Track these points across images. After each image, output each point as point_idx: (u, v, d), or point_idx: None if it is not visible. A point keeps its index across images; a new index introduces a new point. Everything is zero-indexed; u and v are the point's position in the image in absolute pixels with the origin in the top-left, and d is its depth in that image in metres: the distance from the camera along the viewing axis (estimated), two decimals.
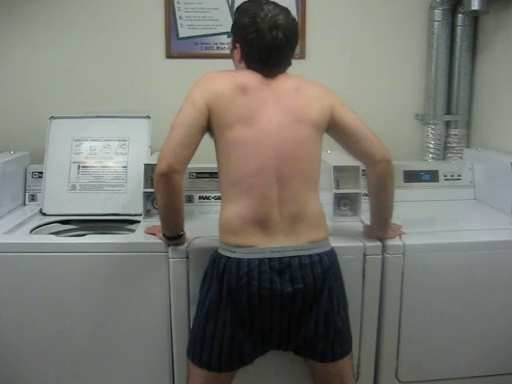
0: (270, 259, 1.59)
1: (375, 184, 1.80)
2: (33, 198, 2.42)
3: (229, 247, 1.62)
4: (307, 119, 1.65)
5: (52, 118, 2.38)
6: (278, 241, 1.61)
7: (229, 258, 1.60)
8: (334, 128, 1.73)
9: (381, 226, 1.90)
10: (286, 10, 1.67)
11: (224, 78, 1.66)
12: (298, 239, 1.62)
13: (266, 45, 1.63)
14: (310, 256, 1.61)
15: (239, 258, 1.59)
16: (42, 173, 2.35)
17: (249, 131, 1.61)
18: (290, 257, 1.60)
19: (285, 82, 1.69)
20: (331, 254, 1.68)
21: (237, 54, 1.72)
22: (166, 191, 1.63)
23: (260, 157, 1.60)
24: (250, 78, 1.66)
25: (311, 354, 1.71)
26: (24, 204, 2.41)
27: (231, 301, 1.61)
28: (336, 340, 1.69)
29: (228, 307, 1.61)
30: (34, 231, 2.11)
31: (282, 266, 1.59)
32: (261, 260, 1.58)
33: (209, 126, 1.64)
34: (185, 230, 1.83)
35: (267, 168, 1.60)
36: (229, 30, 2.63)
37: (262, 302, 1.60)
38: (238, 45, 1.71)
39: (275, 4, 1.67)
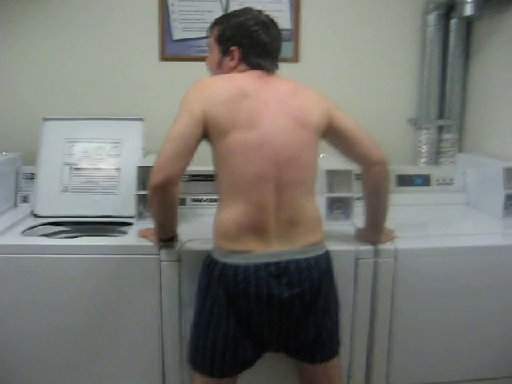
0: (266, 264, 1.57)
1: (371, 186, 1.80)
2: (25, 200, 2.41)
3: (224, 253, 1.60)
4: (309, 123, 1.64)
5: (45, 119, 2.37)
6: (273, 246, 1.60)
7: (225, 263, 1.59)
8: (331, 132, 1.72)
9: (374, 230, 1.90)
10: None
11: (221, 84, 1.64)
12: (294, 243, 1.61)
13: (269, 35, 1.67)
14: (306, 259, 1.61)
15: (236, 264, 1.58)
16: (34, 174, 2.34)
17: (250, 135, 1.57)
18: (287, 261, 1.59)
19: (281, 83, 1.68)
20: (327, 257, 1.68)
21: (230, 60, 1.70)
22: (162, 202, 1.61)
23: (261, 163, 1.58)
24: (249, 79, 1.65)
25: (302, 355, 1.72)
26: (15, 205, 2.40)
27: (230, 306, 1.59)
28: (326, 342, 1.69)
29: (229, 313, 1.60)
30: (25, 233, 2.09)
31: (279, 270, 1.58)
32: (257, 265, 1.57)
33: (206, 133, 1.60)
34: (177, 231, 1.83)
35: (267, 174, 1.58)
36: None
37: (260, 307, 1.59)
38: (234, 48, 1.68)
39: (256, 9, 1.73)
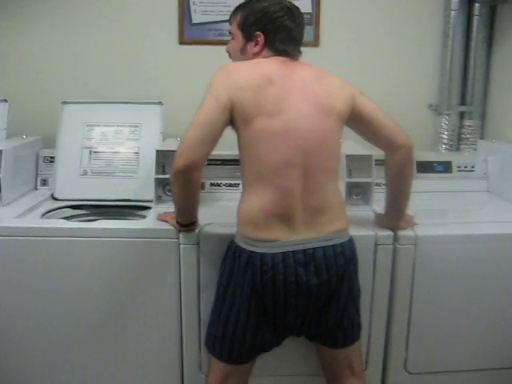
0: (293, 252, 1.57)
1: (395, 170, 1.78)
2: (44, 183, 2.42)
3: (250, 241, 1.59)
4: (333, 109, 1.63)
5: (64, 102, 2.37)
6: (300, 233, 1.59)
7: (251, 252, 1.58)
8: (356, 118, 1.70)
9: (395, 216, 1.89)
10: None
11: (246, 70, 1.62)
12: (321, 230, 1.61)
13: (293, 21, 1.66)
14: (333, 246, 1.61)
15: (262, 253, 1.57)
16: (53, 157, 2.35)
17: (276, 122, 1.56)
18: (314, 248, 1.59)
19: (306, 70, 1.67)
20: (351, 244, 1.68)
21: (254, 46, 1.68)
22: (185, 187, 1.61)
23: (287, 149, 1.57)
24: (274, 65, 1.63)
25: (323, 340, 1.73)
26: (36, 188, 2.41)
27: (255, 295, 1.59)
28: (348, 328, 1.70)
29: (252, 301, 1.60)
30: (45, 215, 2.11)
31: (306, 258, 1.58)
32: (284, 253, 1.57)
33: (231, 119, 1.58)
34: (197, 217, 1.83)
35: (294, 160, 1.58)
36: None
37: (287, 295, 1.59)
38: (258, 33, 1.66)
39: None
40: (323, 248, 1.59)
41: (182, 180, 1.58)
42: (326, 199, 1.63)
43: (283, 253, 1.56)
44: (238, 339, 1.63)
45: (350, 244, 1.67)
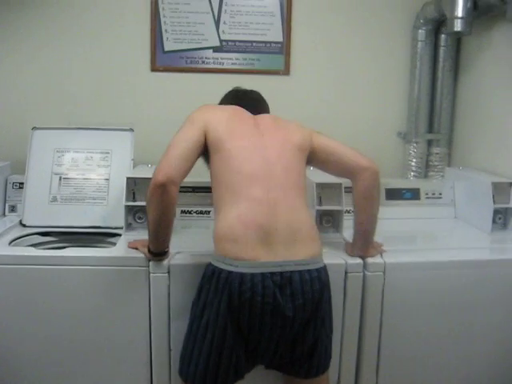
0: (272, 273, 1.57)
1: (362, 194, 1.82)
2: (13, 209, 2.39)
3: (229, 260, 1.58)
4: (290, 141, 1.77)
5: (34, 128, 2.35)
6: (278, 253, 1.59)
7: (230, 272, 1.57)
8: (316, 153, 1.83)
9: (364, 243, 1.91)
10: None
11: (220, 108, 1.86)
12: (297, 253, 1.61)
13: (244, 94, 1.98)
14: (309, 271, 1.61)
15: (242, 273, 1.56)
16: (22, 183, 2.32)
17: (245, 142, 1.71)
18: (291, 271, 1.59)
19: (264, 116, 1.87)
20: (326, 270, 1.69)
21: None
22: (161, 203, 1.63)
23: (255, 161, 1.68)
24: (242, 110, 1.84)
25: (296, 369, 1.71)
26: (4, 215, 2.38)
27: (231, 317, 1.58)
28: (321, 356, 1.70)
29: (227, 324, 1.58)
30: (13, 243, 2.08)
31: (283, 280, 1.58)
32: (264, 274, 1.56)
33: (206, 142, 1.71)
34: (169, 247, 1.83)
35: (264, 172, 1.66)
36: (214, 44, 2.68)
37: (263, 317, 1.58)
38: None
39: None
40: (300, 272, 1.60)
41: (159, 195, 1.60)
42: (298, 214, 1.66)
43: (262, 273, 1.56)
44: (213, 363, 1.61)
45: (325, 270, 1.68)
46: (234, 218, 1.61)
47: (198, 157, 1.72)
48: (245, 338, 1.61)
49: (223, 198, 1.66)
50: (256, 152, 1.70)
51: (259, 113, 1.88)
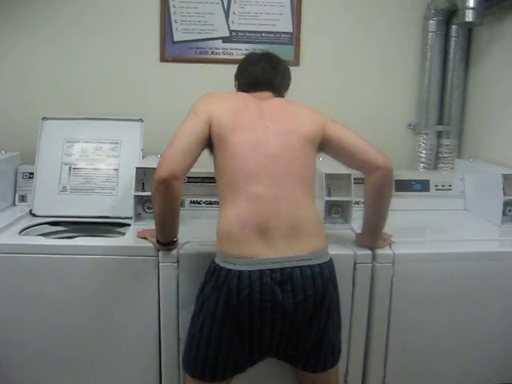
0: (271, 270, 1.56)
1: (374, 191, 1.79)
2: (23, 199, 2.40)
3: (229, 259, 1.59)
4: (299, 131, 1.71)
5: (44, 118, 2.36)
6: (278, 251, 1.58)
7: (229, 270, 1.57)
8: (329, 143, 1.77)
9: (373, 235, 1.91)
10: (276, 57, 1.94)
11: (226, 96, 1.79)
12: (299, 249, 1.60)
13: (254, 73, 1.87)
14: (310, 267, 1.60)
15: (240, 271, 1.56)
16: (32, 173, 2.33)
17: (247, 137, 1.66)
18: (292, 267, 1.58)
19: (274, 101, 1.81)
20: (330, 265, 1.67)
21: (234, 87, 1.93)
22: (165, 197, 1.63)
23: (256, 158, 1.64)
24: (248, 97, 1.79)
25: (303, 364, 1.71)
26: (14, 204, 2.40)
27: (230, 313, 1.58)
28: (328, 351, 1.69)
29: (226, 319, 1.59)
30: (23, 232, 2.09)
31: (283, 277, 1.57)
32: (262, 271, 1.56)
33: (210, 134, 1.68)
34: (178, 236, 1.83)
35: (263, 168, 1.63)
36: (223, 35, 2.67)
37: (263, 314, 1.57)
38: (235, 82, 1.94)
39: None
40: (301, 268, 1.58)
41: (162, 190, 1.60)
42: (301, 209, 1.64)
43: (260, 271, 1.56)
44: (211, 358, 1.62)
45: (329, 265, 1.66)
46: (232, 217, 1.61)
47: (203, 149, 1.70)
48: (246, 335, 1.61)
49: (224, 196, 1.67)
50: (258, 148, 1.65)
51: (273, 92, 1.86)
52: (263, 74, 1.87)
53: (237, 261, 1.58)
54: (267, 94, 1.84)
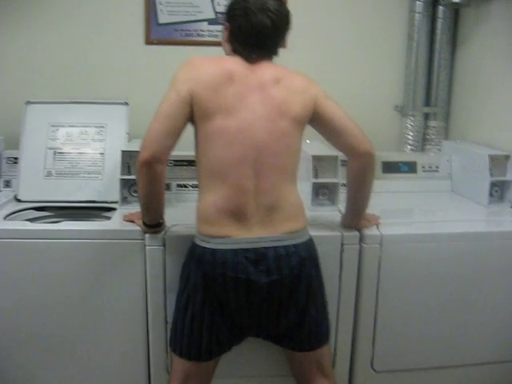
0: (245, 250, 1.58)
1: (355, 176, 1.79)
2: (7, 184, 2.37)
3: (204, 237, 1.61)
4: (289, 113, 1.63)
5: (28, 102, 2.33)
6: (254, 231, 1.60)
7: (204, 248, 1.60)
8: (317, 121, 1.71)
9: (354, 216, 1.91)
10: None
11: (209, 65, 1.63)
12: (275, 230, 1.61)
13: (252, 27, 1.62)
14: (285, 247, 1.60)
15: (214, 249, 1.58)
16: (17, 158, 2.31)
17: (231, 121, 1.59)
18: (266, 247, 1.59)
19: (266, 71, 1.66)
20: (308, 245, 1.67)
21: (225, 32, 1.70)
22: (148, 180, 1.62)
23: (240, 147, 1.59)
24: (236, 64, 1.64)
25: (288, 343, 1.72)
26: None
27: (208, 290, 1.60)
28: (312, 330, 1.70)
29: (206, 296, 1.61)
30: (8, 218, 2.07)
31: (257, 256, 1.58)
32: (236, 250, 1.57)
33: (191, 114, 1.61)
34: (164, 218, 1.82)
35: (246, 158, 1.59)
36: (209, 17, 2.63)
37: (238, 292, 1.59)
38: (227, 23, 1.69)
39: None
40: (275, 248, 1.59)
41: (145, 173, 1.59)
42: (280, 198, 1.62)
43: (234, 250, 1.57)
44: (196, 334, 1.63)
45: (306, 245, 1.66)
46: (210, 203, 1.61)
47: (185, 125, 1.62)
48: (226, 312, 1.62)
49: (203, 181, 1.65)
50: (241, 136, 1.59)
51: (265, 54, 1.68)
52: (266, 35, 1.65)
53: (211, 239, 1.59)
54: (262, 60, 1.68)
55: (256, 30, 1.63)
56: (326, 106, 1.70)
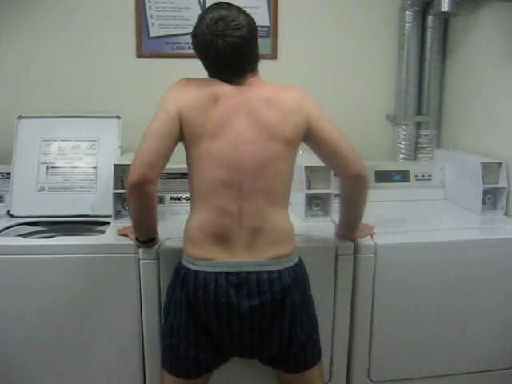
0: (227, 273, 1.56)
1: (347, 195, 1.78)
2: (0, 200, 2.37)
3: (189, 258, 1.61)
4: (280, 135, 1.59)
5: (20, 117, 2.33)
6: (237, 255, 1.58)
7: (188, 269, 1.60)
8: (309, 139, 1.67)
9: (348, 229, 1.91)
10: (232, 13, 1.59)
11: (196, 87, 1.61)
12: (259, 254, 1.59)
13: (213, 55, 1.58)
14: (268, 272, 1.58)
15: (197, 271, 1.58)
16: (9, 173, 2.30)
17: (216, 144, 1.57)
18: (248, 272, 1.57)
19: (256, 91, 1.63)
20: (294, 270, 1.63)
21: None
22: (139, 201, 1.60)
23: (224, 169, 1.57)
24: (222, 86, 1.61)
25: (276, 365, 1.71)
26: None
27: (191, 311, 1.59)
28: (299, 353, 1.67)
29: (189, 317, 1.60)
30: (1, 233, 2.06)
31: (239, 280, 1.57)
32: (217, 274, 1.56)
33: (181, 133, 1.59)
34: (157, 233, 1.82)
35: (230, 181, 1.57)
36: None
37: (219, 315, 1.58)
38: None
39: (221, 7, 1.61)
40: (257, 273, 1.57)
41: (136, 194, 1.57)
42: (265, 222, 1.60)
43: (216, 273, 1.56)
44: (182, 352, 1.63)
45: (293, 269, 1.62)
46: (195, 223, 1.61)
47: (175, 145, 1.60)
48: (208, 333, 1.61)
49: (192, 201, 1.65)
50: (230, 156, 1.56)
51: (241, 71, 1.62)
52: (230, 59, 1.59)
53: (195, 261, 1.59)
54: (245, 79, 1.64)
55: (218, 57, 1.58)
56: (319, 127, 1.65)
